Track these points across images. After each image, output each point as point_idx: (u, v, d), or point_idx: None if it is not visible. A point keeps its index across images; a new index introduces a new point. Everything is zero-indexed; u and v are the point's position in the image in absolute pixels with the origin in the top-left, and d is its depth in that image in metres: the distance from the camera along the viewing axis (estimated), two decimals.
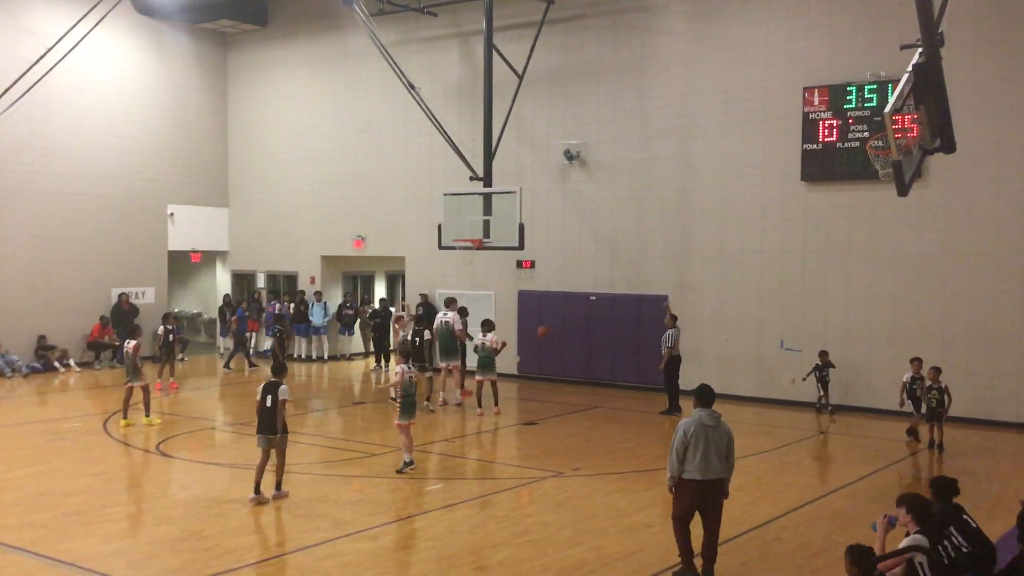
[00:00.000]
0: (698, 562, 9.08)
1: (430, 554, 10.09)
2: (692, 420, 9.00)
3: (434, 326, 19.27)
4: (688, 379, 17.59)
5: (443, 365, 19.39)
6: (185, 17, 26.18)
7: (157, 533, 10.77)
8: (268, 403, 11.93)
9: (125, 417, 16.86)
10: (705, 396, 9.20)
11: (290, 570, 9.50)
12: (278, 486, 12.01)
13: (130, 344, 17.12)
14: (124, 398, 17.01)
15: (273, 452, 11.96)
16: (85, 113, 25.02)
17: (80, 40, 21.92)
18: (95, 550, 9.88)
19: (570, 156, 22.01)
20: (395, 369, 14.28)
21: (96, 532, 10.60)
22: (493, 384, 18.10)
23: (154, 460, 14.65)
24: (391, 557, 10.05)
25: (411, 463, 13.49)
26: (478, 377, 18.05)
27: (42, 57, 21.08)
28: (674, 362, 18.57)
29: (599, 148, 21.85)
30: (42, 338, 23.93)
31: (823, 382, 18.41)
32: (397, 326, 19.84)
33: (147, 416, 16.97)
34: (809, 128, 19.06)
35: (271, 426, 11.90)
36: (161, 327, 20.60)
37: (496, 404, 18.06)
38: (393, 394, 13.59)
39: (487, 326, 18.31)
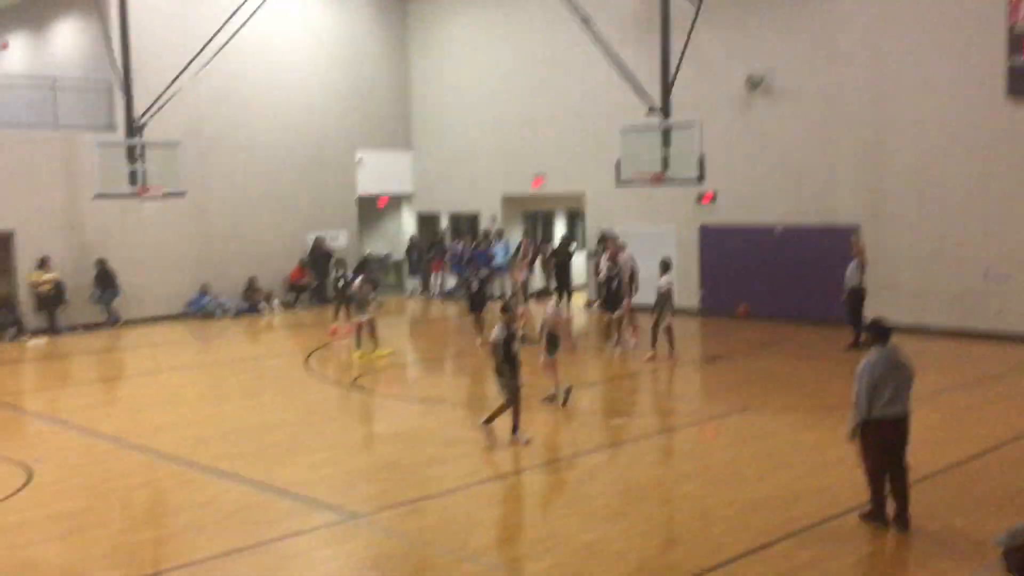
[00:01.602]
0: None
1: (614, 487, 10.20)
2: (878, 357, 8.56)
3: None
4: (884, 313, 16.80)
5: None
6: None
7: (355, 463, 11.40)
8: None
9: (358, 347, 17.80)
10: (885, 332, 8.73)
11: (480, 498, 9.85)
12: (513, 429, 11.55)
13: (357, 281, 18.09)
14: (355, 332, 17.94)
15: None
16: (274, 66, 26.16)
17: None
18: (300, 477, 10.57)
19: (752, 84, 21.23)
20: (548, 309, 14.15)
21: (300, 461, 11.32)
22: (668, 329, 16.76)
23: (350, 395, 15.44)
24: (575, 489, 10.24)
25: (556, 397, 13.42)
26: (657, 320, 16.85)
27: (234, 13, 22.08)
28: (858, 295, 17.81)
29: (783, 75, 20.94)
30: (252, 280, 25.52)
31: None
32: (518, 270, 19.51)
33: (359, 348, 17.75)
34: (1015, 41, 17.57)
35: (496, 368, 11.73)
36: (333, 273, 21.19)
37: (653, 348, 16.80)
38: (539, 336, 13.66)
39: (665, 266, 17.24)
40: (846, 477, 9.78)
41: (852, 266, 17.90)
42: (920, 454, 10.17)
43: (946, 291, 18.95)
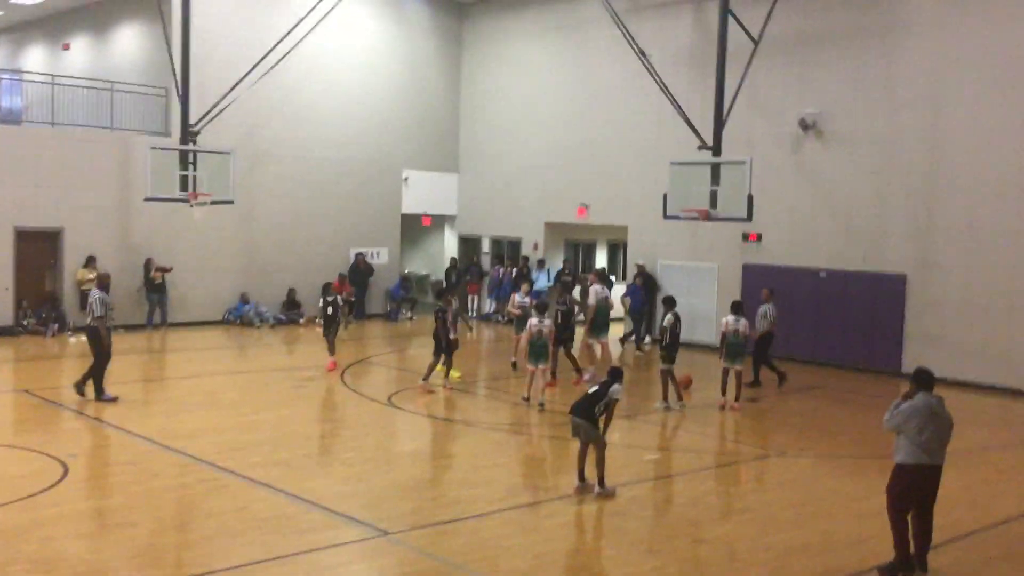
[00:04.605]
0: None
1: (646, 523, 10.07)
2: (919, 404, 8.49)
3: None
4: (928, 364, 16.43)
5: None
6: None
7: (387, 479, 11.33)
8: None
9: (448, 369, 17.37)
10: (929, 380, 8.65)
11: (512, 525, 9.74)
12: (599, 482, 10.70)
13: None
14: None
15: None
16: (330, 81, 26.43)
17: (330, 10, 23.07)
18: (333, 491, 10.53)
19: (805, 126, 21.09)
20: (531, 321, 15.46)
21: (333, 474, 11.30)
22: (738, 375, 15.98)
23: (384, 411, 15.39)
24: (608, 522, 10.10)
25: (527, 400, 15.28)
26: (725, 365, 15.90)
27: (294, 27, 22.36)
28: (768, 338, 17.83)
29: (837, 118, 20.79)
30: (292, 291, 25.63)
31: None
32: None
33: (450, 370, 17.50)
34: None
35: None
36: (321, 300, 19.15)
37: (737, 400, 15.94)
38: (523, 343, 14.99)
39: (737, 309, 16.12)
40: (884, 529, 9.55)
41: (769, 309, 17.85)
42: (963, 511, 9.98)
43: (994, 346, 18.59)
